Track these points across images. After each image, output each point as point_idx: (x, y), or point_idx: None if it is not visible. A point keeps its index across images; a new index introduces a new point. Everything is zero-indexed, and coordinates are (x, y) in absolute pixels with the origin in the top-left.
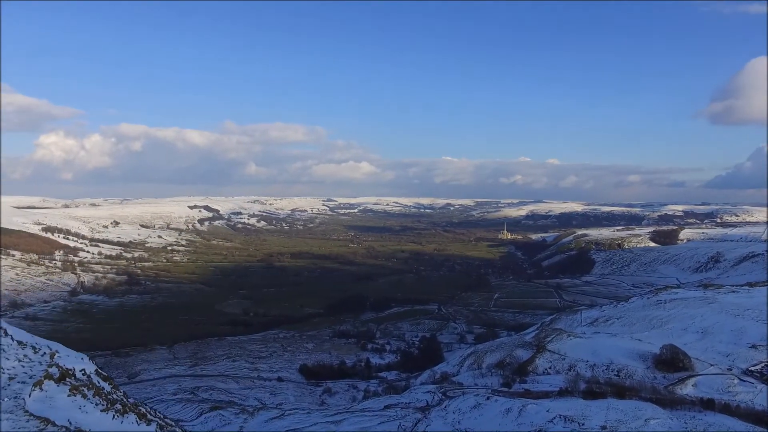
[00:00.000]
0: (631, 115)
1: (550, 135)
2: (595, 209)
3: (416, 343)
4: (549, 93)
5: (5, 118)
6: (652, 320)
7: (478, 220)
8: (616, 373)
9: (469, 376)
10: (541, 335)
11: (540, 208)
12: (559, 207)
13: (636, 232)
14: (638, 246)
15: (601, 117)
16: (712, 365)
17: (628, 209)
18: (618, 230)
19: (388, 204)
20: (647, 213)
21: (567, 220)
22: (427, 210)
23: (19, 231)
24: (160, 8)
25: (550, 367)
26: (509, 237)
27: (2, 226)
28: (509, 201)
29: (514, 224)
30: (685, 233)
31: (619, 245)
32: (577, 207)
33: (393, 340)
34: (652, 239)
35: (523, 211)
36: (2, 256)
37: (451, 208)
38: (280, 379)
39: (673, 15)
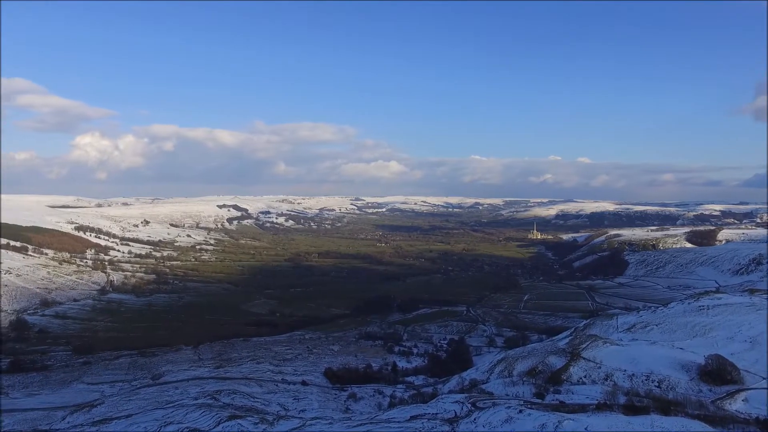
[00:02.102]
0: (664, 112)
1: (581, 133)
2: (628, 209)
3: (444, 346)
4: (579, 90)
5: (41, 119)
6: (694, 327)
7: (507, 220)
8: (657, 385)
9: (500, 384)
10: (575, 341)
11: (570, 207)
12: (590, 206)
13: (671, 232)
14: (674, 247)
15: (633, 114)
16: (764, 378)
17: (662, 209)
18: (652, 230)
19: (416, 203)
20: (682, 212)
21: (598, 220)
22: (455, 209)
23: (52, 230)
24: (189, 8)
25: (585, 377)
26: (539, 237)
27: (36, 224)
28: (539, 200)
29: (543, 224)
30: (724, 234)
31: (653, 246)
32: (608, 206)
33: (420, 342)
34: (689, 240)
35: (553, 211)
36: (35, 255)
37: (480, 208)
38: (304, 383)
39: (713, 6)
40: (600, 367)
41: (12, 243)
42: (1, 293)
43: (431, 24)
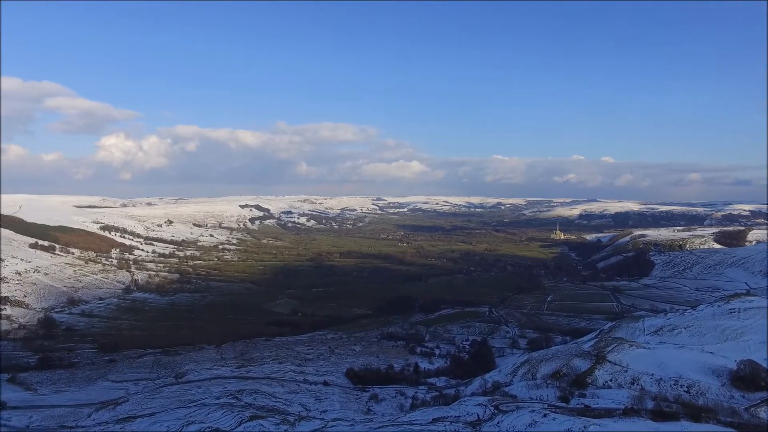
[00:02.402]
0: (690, 111)
1: (605, 132)
2: (653, 209)
3: (467, 347)
4: (603, 88)
5: (69, 121)
6: (724, 331)
7: (529, 220)
8: (686, 390)
9: (523, 386)
10: (600, 344)
11: (594, 207)
12: (614, 206)
13: (698, 232)
14: (701, 247)
15: (658, 113)
16: None
17: (689, 209)
18: (678, 231)
19: (437, 203)
20: (710, 213)
21: (623, 220)
22: (477, 209)
23: (78, 230)
24: (212, 10)
25: (610, 380)
26: (562, 237)
27: (63, 224)
28: (562, 200)
29: (567, 224)
30: (754, 234)
31: (680, 246)
32: (633, 206)
33: (443, 343)
34: (717, 240)
35: (576, 211)
36: (62, 254)
37: (502, 208)
38: (326, 383)
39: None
40: (626, 371)
41: (40, 242)
42: (30, 291)
43: (453, 24)
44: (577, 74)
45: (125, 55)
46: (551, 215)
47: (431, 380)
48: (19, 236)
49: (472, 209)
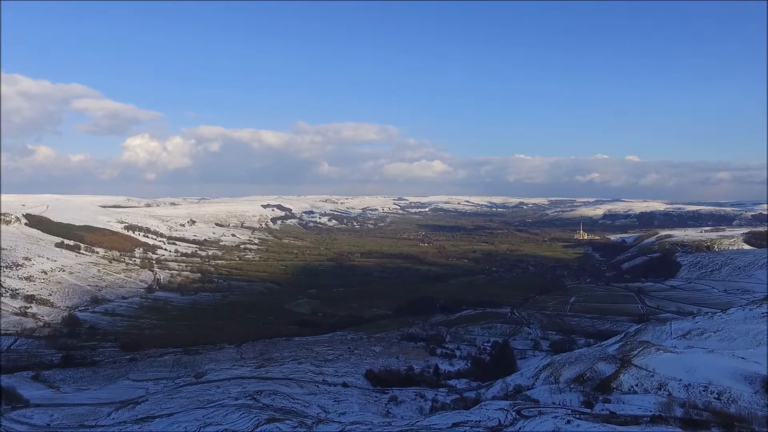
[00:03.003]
0: (719, 108)
1: (629, 130)
2: (679, 208)
3: (488, 349)
4: (628, 86)
5: (96, 122)
6: (757, 335)
7: (552, 220)
8: (717, 397)
9: (545, 390)
10: (625, 347)
11: (618, 207)
12: (639, 206)
13: (727, 233)
14: (730, 248)
15: (685, 110)
16: None
17: (717, 209)
18: (706, 231)
19: (459, 203)
20: (739, 212)
21: (648, 220)
22: (499, 209)
23: (103, 229)
24: (233, 11)
25: (636, 385)
26: (586, 237)
27: (89, 224)
28: (585, 200)
29: (590, 224)
30: None
31: (708, 247)
32: (659, 206)
33: (463, 345)
34: (747, 241)
35: (600, 211)
36: (87, 253)
37: (525, 207)
38: (345, 385)
39: None
40: (653, 376)
41: (66, 242)
42: (55, 290)
43: (473, 22)
44: (602, 72)
45: (149, 56)
46: (574, 215)
47: (452, 382)
48: (45, 235)
49: (494, 209)
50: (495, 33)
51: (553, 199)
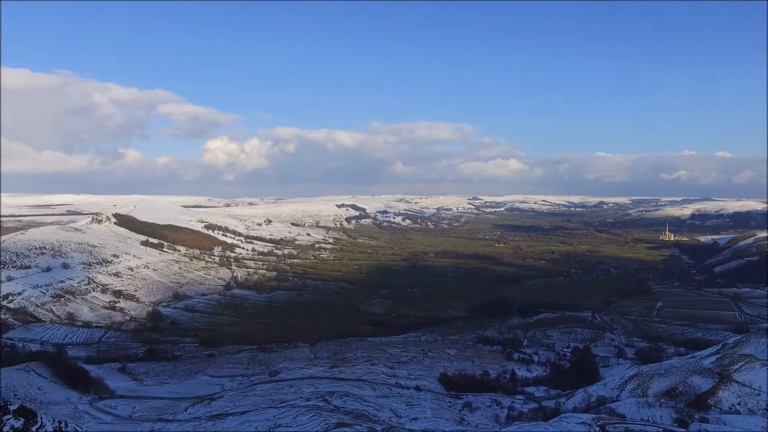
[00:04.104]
0: None
1: (719, 125)
2: None
3: (567, 354)
4: (717, 78)
5: (179, 126)
6: None
7: (635, 220)
8: None
9: (632, 404)
10: (723, 361)
11: (708, 206)
12: (732, 205)
13: None
14: None
15: None
16: None
17: None
18: None
19: (535, 202)
20: None
21: (743, 221)
22: (578, 208)
23: (185, 228)
24: (304, 14)
25: (739, 404)
26: (672, 238)
27: (171, 223)
28: (671, 199)
29: (677, 224)
30: None
31: None
32: (756, 205)
33: (541, 349)
34: None
35: (687, 210)
36: (169, 251)
37: (605, 207)
38: (418, 388)
39: None
40: (758, 394)
41: (150, 240)
42: (140, 286)
43: (551, 17)
44: (687, 63)
45: (227, 61)
46: (659, 215)
47: (529, 389)
48: (132, 234)
49: (573, 208)
50: (573, 28)
51: (635, 198)
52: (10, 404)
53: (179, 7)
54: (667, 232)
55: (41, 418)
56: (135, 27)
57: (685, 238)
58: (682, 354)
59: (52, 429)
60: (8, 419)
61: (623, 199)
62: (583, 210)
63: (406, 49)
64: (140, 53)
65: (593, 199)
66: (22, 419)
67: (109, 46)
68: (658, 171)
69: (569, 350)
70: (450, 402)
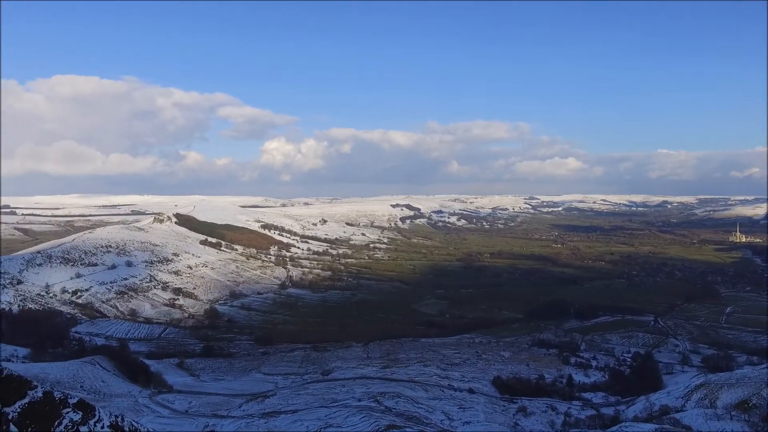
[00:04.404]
0: None
1: None
2: None
3: (628, 360)
4: None
5: (237, 128)
6: None
7: (701, 220)
8: None
9: (699, 415)
10: None
11: None
12: None
13: None
14: None
15: None
16: None
17: None
18: None
19: (595, 202)
20: None
21: None
22: (639, 208)
23: (242, 228)
24: (359, 14)
25: None
26: (743, 240)
27: (229, 223)
28: (741, 198)
29: (749, 225)
30: None
31: None
32: None
33: (600, 354)
34: None
35: (761, 210)
36: (227, 250)
37: (669, 206)
38: (471, 391)
39: None
40: None
41: (209, 239)
42: (199, 284)
43: (610, 12)
44: (756, 53)
45: (283, 64)
46: (729, 215)
47: (586, 395)
48: (191, 233)
49: (634, 208)
50: (636, 22)
51: (702, 197)
52: (70, 398)
53: (237, 11)
54: (738, 233)
55: (99, 412)
56: (196, 32)
57: (757, 240)
58: (755, 363)
59: (109, 423)
60: (68, 413)
61: (689, 198)
62: (645, 209)
63: (464, 47)
64: (201, 58)
65: (656, 199)
66: (81, 413)
67: (171, 52)
68: (728, 168)
69: (629, 356)
70: (504, 406)
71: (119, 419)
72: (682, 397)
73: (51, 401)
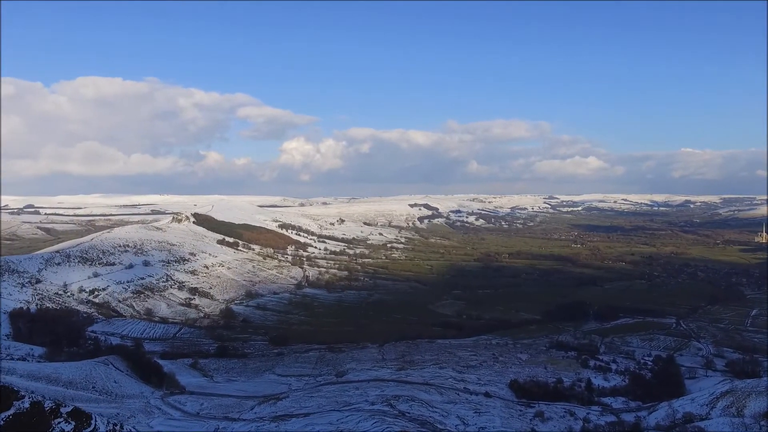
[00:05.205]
0: None
1: None
2: None
3: (649, 364)
4: None
5: (257, 128)
6: None
7: (726, 220)
8: None
9: (725, 424)
10: None
11: None
12: None
13: None
14: None
15: None
16: None
17: None
18: None
19: (615, 201)
20: None
21: None
22: (661, 208)
23: (259, 227)
24: (382, 15)
25: None
26: None
27: (247, 222)
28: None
29: None
30: None
31: None
32: None
33: (620, 357)
34: None
35: None
36: (244, 250)
37: (691, 206)
38: (487, 395)
39: None
40: None
41: (226, 239)
42: (215, 284)
43: (631, 9)
44: None
45: (303, 63)
46: (754, 215)
47: (606, 400)
48: (209, 233)
49: (656, 208)
50: (657, 20)
51: (726, 196)
52: (63, 406)
53: (259, 12)
54: (764, 233)
55: (95, 420)
56: (218, 33)
57: None
58: None
59: (105, 431)
60: (59, 422)
61: (712, 198)
62: (667, 209)
63: (483, 46)
64: (222, 58)
65: (678, 198)
66: (74, 422)
67: (193, 53)
68: (754, 167)
69: (651, 359)
70: (520, 410)
71: (117, 427)
72: (706, 405)
73: (39, 412)
